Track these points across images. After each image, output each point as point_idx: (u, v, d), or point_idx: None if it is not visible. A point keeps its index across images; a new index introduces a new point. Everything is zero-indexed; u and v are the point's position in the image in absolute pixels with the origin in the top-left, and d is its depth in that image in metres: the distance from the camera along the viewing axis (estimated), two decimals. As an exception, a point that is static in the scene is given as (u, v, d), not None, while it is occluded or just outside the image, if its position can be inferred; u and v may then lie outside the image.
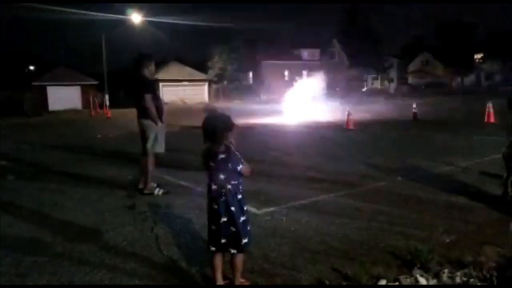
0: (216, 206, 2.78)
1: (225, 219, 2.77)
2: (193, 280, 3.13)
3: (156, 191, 5.68)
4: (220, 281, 2.92)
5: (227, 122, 2.83)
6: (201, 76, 49.48)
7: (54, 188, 6.23)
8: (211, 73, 48.95)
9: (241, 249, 2.83)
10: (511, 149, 4.84)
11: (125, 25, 38.27)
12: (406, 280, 2.87)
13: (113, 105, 34.38)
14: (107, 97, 35.52)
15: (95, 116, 28.79)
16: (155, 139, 5.71)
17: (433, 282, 2.88)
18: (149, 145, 5.69)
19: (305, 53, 59.01)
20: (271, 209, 4.71)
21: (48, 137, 14.94)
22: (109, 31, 39.39)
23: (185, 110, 28.94)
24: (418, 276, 2.92)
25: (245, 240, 2.82)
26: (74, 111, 36.18)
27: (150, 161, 5.73)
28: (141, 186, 5.82)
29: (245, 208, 2.88)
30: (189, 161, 8.29)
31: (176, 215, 4.74)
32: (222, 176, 2.78)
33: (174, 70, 46.28)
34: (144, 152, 5.78)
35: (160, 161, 6.14)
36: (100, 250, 3.76)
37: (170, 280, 3.14)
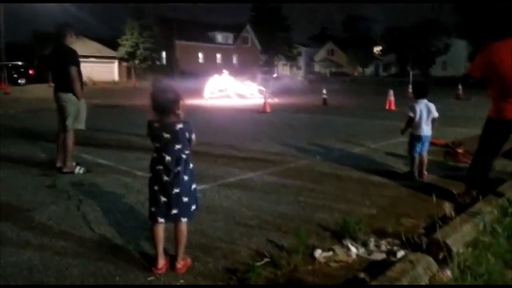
0: (167, 178, 2.75)
1: (177, 190, 2.76)
2: (132, 257, 3.06)
3: (76, 170, 5.39)
4: (162, 256, 2.90)
5: (178, 92, 2.82)
6: (111, 53, 46.91)
7: (-46, 166, 5.60)
8: (122, 51, 46.57)
9: (191, 215, 2.88)
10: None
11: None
12: (339, 249, 3.12)
13: (11, 80, 31.31)
14: (5, 71, 32.13)
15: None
16: (77, 114, 5.39)
17: (362, 250, 3.16)
18: (69, 121, 5.36)
19: (219, 36, 58.72)
20: (202, 186, 4.72)
21: None
22: (8, -1, 35.52)
23: (93, 88, 27.36)
24: (349, 245, 3.18)
25: (193, 207, 2.88)
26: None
27: (70, 138, 5.41)
28: (59, 164, 5.48)
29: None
30: (105, 139, 8.00)
31: (101, 194, 4.56)
32: (178, 146, 2.78)
33: (80, 45, 43.12)
34: (63, 129, 5.44)
35: (75, 139, 5.76)
36: (23, 229, 3.51)
37: (106, 258, 3.03)
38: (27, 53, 46.55)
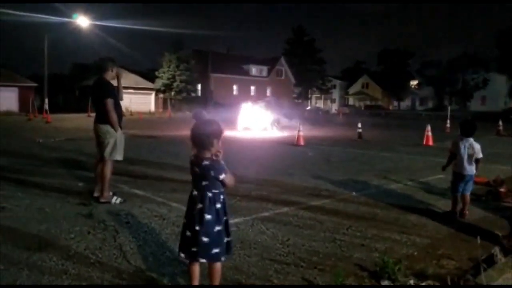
0: (195, 213, 2.74)
1: (197, 228, 2.70)
2: (166, 290, 3.06)
3: (113, 200, 5.49)
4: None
5: (214, 128, 2.78)
6: (148, 84, 48.53)
7: (-2, 193, 5.82)
8: (159, 83, 48.10)
9: (210, 258, 2.74)
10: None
11: (69, 28, 37.05)
12: (378, 290, 3.00)
13: (52, 110, 32.84)
14: (46, 101, 33.83)
15: (34, 120, 27.29)
16: (114, 145, 5.54)
17: (401, 292, 3.03)
18: (107, 151, 5.51)
19: (254, 69, 59.83)
20: (236, 220, 4.72)
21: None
22: (52, 33, 37.92)
23: (130, 118, 28.24)
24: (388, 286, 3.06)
25: (216, 250, 2.72)
26: (10, 114, 34.05)
27: (108, 168, 5.54)
28: (96, 194, 5.61)
29: (225, 218, 2.80)
30: (141, 170, 8.15)
31: (137, 224, 4.61)
32: (204, 183, 2.74)
33: (119, 77, 45.00)
34: (101, 159, 5.59)
35: (112, 170, 5.83)
36: (61, 258, 3.57)
37: (142, 290, 3.05)
38: (68, 85, 48.97)
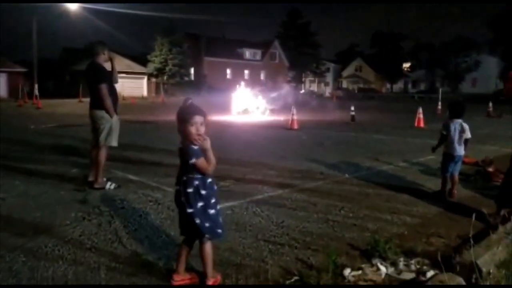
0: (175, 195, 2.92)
1: (177, 210, 2.93)
2: (163, 274, 3.10)
3: (107, 185, 5.51)
4: (180, 270, 2.96)
5: (178, 113, 2.78)
6: (140, 69, 48.05)
7: (-9, 181, 5.82)
8: (151, 67, 47.62)
9: (201, 238, 2.85)
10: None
11: (59, 11, 36.46)
12: (369, 268, 3.08)
13: (42, 95, 32.44)
14: (36, 86, 33.42)
15: (24, 106, 27.02)
16: (109, 131, 5.54)
17: (391, 269, 3.11)
18: (102, 137, 5.51)
19: (247, 53, 59.43)
20: (231, 203, 4.78)
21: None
22: (42, 16, 37.42)
23: (123, 103, 28.07)
24: (378, 264, 3.14)
25: (188, 232, 2.92)
26: (-1, 100, 33.68)
27: (103, 154, 5.54)
28: (91, 178, 5.62)
29: (200, 204, 2.77)
30: (135, 155, 8.15)
31: (132, 209, 4.66)
32: (182, 167, 2.83)
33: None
34: (96, 145, 5.60)
35: (107, 155, 5.78)
36: (56, 244, 3.60)
37: (138, 274, 3.09)
38: (58, 69, 48.29)
